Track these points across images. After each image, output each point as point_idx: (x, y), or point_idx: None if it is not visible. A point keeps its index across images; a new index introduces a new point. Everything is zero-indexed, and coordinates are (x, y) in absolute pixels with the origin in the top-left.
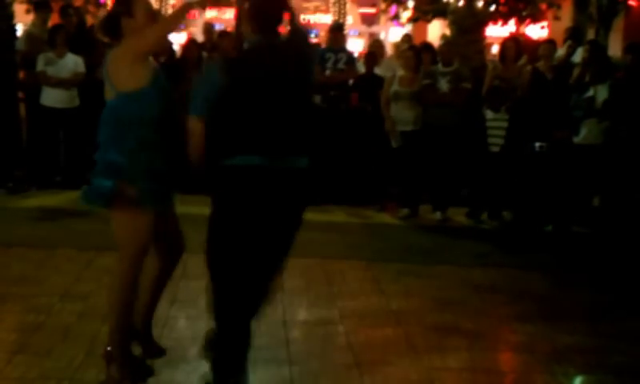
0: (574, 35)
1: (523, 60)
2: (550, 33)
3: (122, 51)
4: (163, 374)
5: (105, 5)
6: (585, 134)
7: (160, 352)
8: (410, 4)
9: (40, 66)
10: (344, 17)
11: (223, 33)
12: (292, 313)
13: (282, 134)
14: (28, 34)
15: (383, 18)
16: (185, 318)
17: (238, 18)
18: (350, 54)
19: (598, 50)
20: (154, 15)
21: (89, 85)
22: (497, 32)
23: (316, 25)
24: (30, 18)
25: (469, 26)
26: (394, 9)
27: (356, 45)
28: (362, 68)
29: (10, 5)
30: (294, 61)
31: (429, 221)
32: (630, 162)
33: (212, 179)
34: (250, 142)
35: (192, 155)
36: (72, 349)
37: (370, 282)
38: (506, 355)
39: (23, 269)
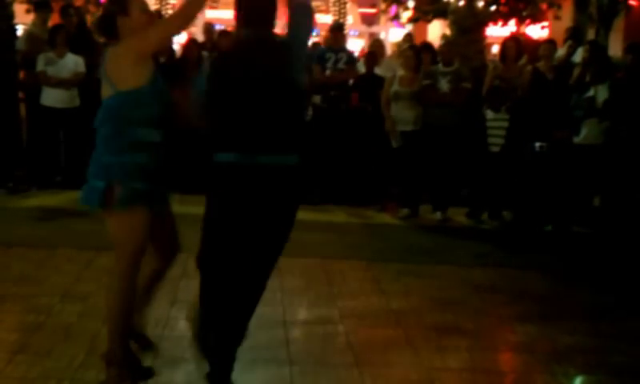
0: (575, 35)
1: (523, 60)
2: (550, 33)
3: (124, 50)
4: (163, 374)
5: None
6: (585, 134)
7: (150, 346)
8: (411, 4)
9: (40, 65)
10: (344, 17)
11: (223, 33)
12: (292, 313)
13: (259, 131)
14: (28, 33)
15: (383, 18)
16: (185, 319)
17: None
18: (350, 54)
19: (598, 49)
20: (150, 13)
21: (89, 85)
22: (497, 32)
23: (316, 25)
24: (31, 17)
25: (469, 26)
26: (394, 9)
27: (356, 45)
28: (362, 68)
29: (10, 5)
30: (279, 58)
31: (429, 221)
32: (630, 162)
33: (203, 176)
34: (228, 139)
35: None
36: (72, 349)
37: (370, 281)
38: (506, 355)
39: (23, 269)
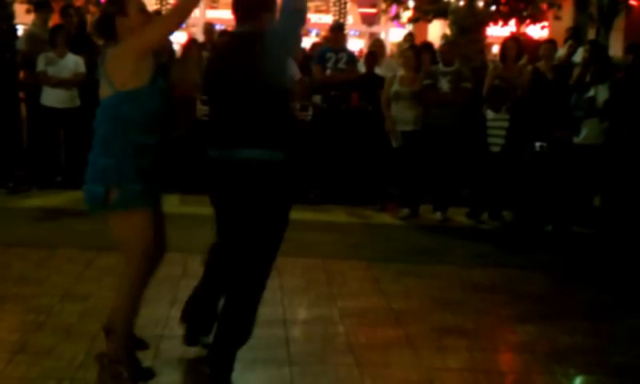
0: (575, 35)
1: (524, 60)
2: (550, 33)
3: (124, 50)
4: (163, 375)
5: None
6: (585, 134)
7: (144, 346)
8: (411, 4)
9: (40, 66)
10: (344, 17)
11: (223, 32)
12: (292, 313)
13: (234, 126)
14: (29, 34)
15: (384, 18)
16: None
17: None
18: (350, 54)
19: (598, 49)
20: (148, 13)
21: (89, 85)
22: (497, 32)
23: (316, 25)
24: (31, 18)
25: (469, 25)
26: (394, 9)
27: (356, 45)
28: (362, 68)
29: (11, 5)
30: (252, 53)
31: (429, 221)
32: (631, 162)
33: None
34: (211, 134)
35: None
36: (72, 349)
37: (370, 282)
38: (506, 355)
39: (24, 269)
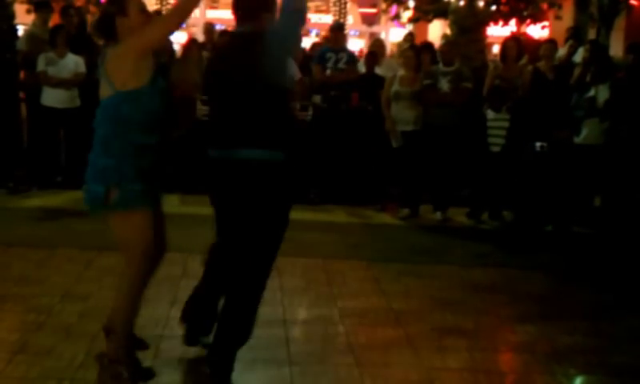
0: (575, 35)
1: (524, 60)
2: (550, 33)
3: (124, 50)
4: (163, 375)
5: None
6: (586, 134)
7: (144, 345)
8: (411, 4)
9: (41, 66)
10: (344, 17)
11: (223, 33)
12: (292, 313)
13: (233, 126)
14: (29, 34)
15: (384, 18)
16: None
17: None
18: (350, 54)
19: (599, 49)
20: (148, 13)
21: (89, 85)
22: (498, 32)
23: (316, 25)
24: (31, 18)
25: (470, 25)
26: (394, 9)
27: (356, 45)
28: (362, 68)
29: (11, 5)
30: (251, 52)
31: (429, 221)
32: (631, 162)
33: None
34: (211, 134)
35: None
36: (72, 349)
37: (370, 282)
38: (506, 355)
39: (24, 269)
